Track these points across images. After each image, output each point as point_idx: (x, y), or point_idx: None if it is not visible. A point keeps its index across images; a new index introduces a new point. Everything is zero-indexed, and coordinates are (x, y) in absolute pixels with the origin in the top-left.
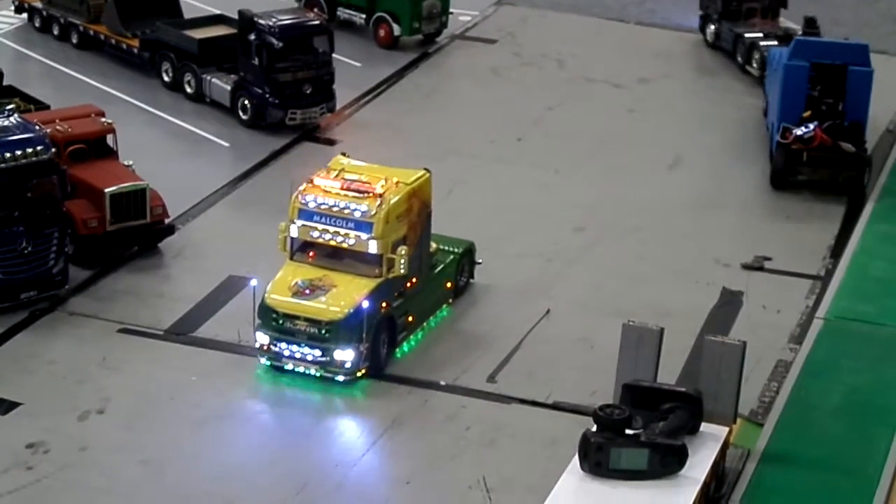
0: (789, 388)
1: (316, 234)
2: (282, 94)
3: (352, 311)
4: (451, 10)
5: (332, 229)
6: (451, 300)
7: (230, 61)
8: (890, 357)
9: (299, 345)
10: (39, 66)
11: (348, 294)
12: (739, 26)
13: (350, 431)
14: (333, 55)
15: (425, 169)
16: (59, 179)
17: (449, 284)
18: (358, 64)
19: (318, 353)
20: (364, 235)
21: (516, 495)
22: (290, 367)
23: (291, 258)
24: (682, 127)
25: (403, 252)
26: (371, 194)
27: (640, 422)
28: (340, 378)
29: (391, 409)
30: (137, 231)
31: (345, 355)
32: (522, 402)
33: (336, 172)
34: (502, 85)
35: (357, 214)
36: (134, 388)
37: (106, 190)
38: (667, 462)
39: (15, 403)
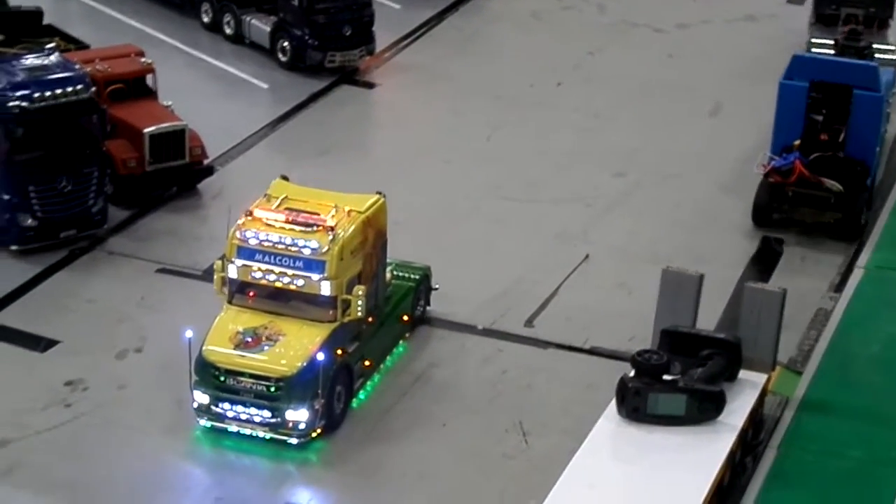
0: (829, 336)
1: (258, 274)
2: (321, 35)
3: (305, 364)
4: None
5: (277, 269)
6: (407, 335)
7: (270, 2)
8: None
9: (245, 405)
10: (79, 6)
11: (299, 344)
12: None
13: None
14: None
15: (378, 192)
16: (98, 119)
17: (406, 317)
18: (397, 6)
19: (266, 413)
20: (315, 276)
21: (552, 439)
22: (234, 429)
23: (230, 302)
24: (723, 74)
25: (361, 292)
26: (321, 227)
27: (678, 368)
28: (293, 441)
29: (428, 352)
30: (176, 172)
31: (298, 415)
32: (560, 346)
33: (278, 201)
34: (542, 29)
35: (306, 252)
36: (171, 327)
37: (145, 130)
38: (704, 408)
39: (54, 341)
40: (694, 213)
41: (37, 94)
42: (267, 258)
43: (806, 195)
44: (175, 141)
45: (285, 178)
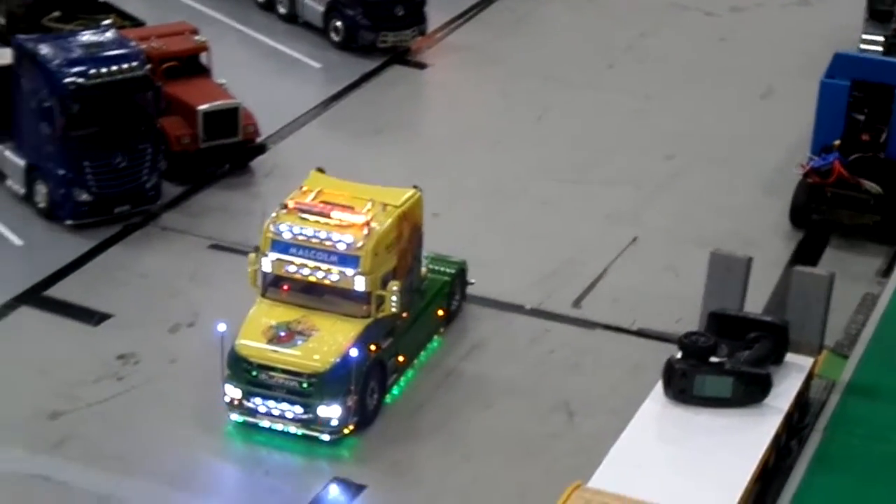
0: (876, 321)
1: (293, 268)
2: (374, 15)
3: (338, 360)
4: None
5: (311, 263)
6: (442, 329)
7: None
8: None
9: (277, 400)
10: None
11: (333, 340)
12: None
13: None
14: None
15: (415, 187)
16: (153, 96)
17: (441, 312)
18: None
19: (298, 409)
20: (350, 271)
21: (599, 419)
22: (265, 424)
23: (263, 295)
24: (775, 57)
25: (395, 287)
26: (356, 223)
27: (725, 350)
28: (325, 437)
29: (475, 331)
30: (229, 149)
31: (330, 411)
32: (607, 327)
33: (313, 194)
34: (595, 10)
35: (341, 247)
36: (223, 303)
37: (199, 107)
38: (750, 391)
39: (106, 315)
40: (743, 197)
41: (92, 71)
42: (301, 252)
43: (844, 196)
44: (228, 119)
45: (321, 170)
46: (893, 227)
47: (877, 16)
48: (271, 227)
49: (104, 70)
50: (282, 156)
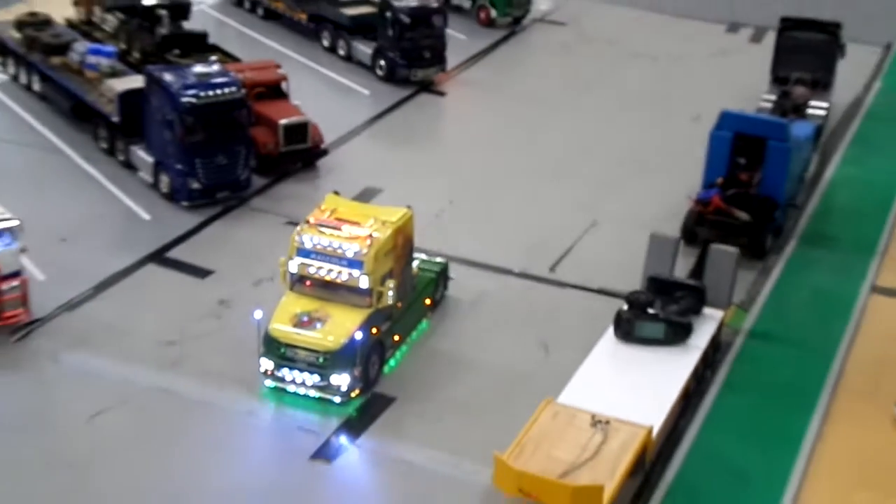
0: (771, 283)
1: (312, 269)
2: (408, 57)
3: (346, 341)
4: (533, 1)
5: (327, 266)
6: (429, 314)
7: (372, 32)
8: (847, 268)
9: (300, 371)
10: (234, 31)
11: (343, 325)
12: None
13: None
14: (446, 30)
15: (407, 206)
16: (246, 112)
17: (428, 302)
18: (464, 37)
19: (316, 378)
20: (356, 272)
21: (567, 353)
22: (291, 389)
23: (291, 289)
24: (703, 92)
25: (391, 285)
26: (361, 236)
27: (659, 304)
28: (337, 400)
29: (478, 285)
30: (301, 153)
31: (340, 380)
32: (574, 286)
33: (329, 212)
34: (569, 56)
35: (349, 254)
36: None
37: (280, 122)
38: (677, 334)
39: (210, 271)
40: (673, 196)
41: (203, 94)
42: (319, 258)
43: (720, 222)
44: (301, 130)
45: (336, 193)
46: (758, 248)
47: (777, 80)
48: (297, 238)
49: (211, 93)
50: (339, 158)
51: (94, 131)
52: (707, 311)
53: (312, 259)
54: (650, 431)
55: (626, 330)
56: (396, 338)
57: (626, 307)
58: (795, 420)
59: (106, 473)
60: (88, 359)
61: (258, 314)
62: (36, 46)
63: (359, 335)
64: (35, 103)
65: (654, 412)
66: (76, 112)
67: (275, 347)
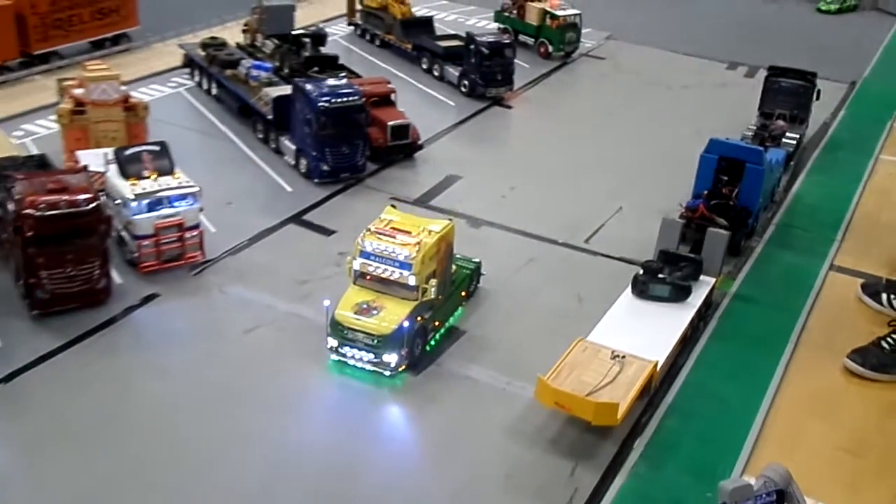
0: (752, 260)
1: (371, 268)
2: (485, 78)
3: (396, 327)
4: (581, 40)
5: (382, 266)
6: (464, 303)
7: (459, 59)
8: (811, 252)
9: (358, 349)
10: (357, 55)
11: (394, 314)
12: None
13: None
14: (515, 59)
15: (449, 219)
16: (364, 116)
17: (463, 293)
18: (527, 65)
19: (371, 356)
20: (406, 272)
21: (595, 304)
22: (351, 363)
23: (354, 283)
24: (703, 113)
25: (433, 283)
26: (411, 242)
27: (667, 271)
28: (387, 373)
29: (530, 252)
30: (403, 147)
31: (390, 358)
32: (604, 255)
33: (387, 222)
34: (605, 83)
35: (401, 257)
36: None
37: (389, 123)
38: (679, 294)
39: (333, 231)
40: (680, 189)
41: (333, 100)
42: (377, 259)
43: (704, 226)
44: (404, 130)
45: (394, 205)
46: (734, 247)
47: (762, 115)
48: (360, 242)
49: (339, 100)
50: (430, 152)
51: (254, 125)
52: (703, 278)
53: (371, 260)
54: (656, 365)
55: (641, 289)
56: (436, 323)
57: (641, 272)
58: (766, 363)
59: (254, 370)
60: (244, 290)
61: (326, 302)
62: (215, 62)
63: (406, 323)
64: (213, 103)
65: (659, 351)
66: (242, 111)
67: (339, 330)
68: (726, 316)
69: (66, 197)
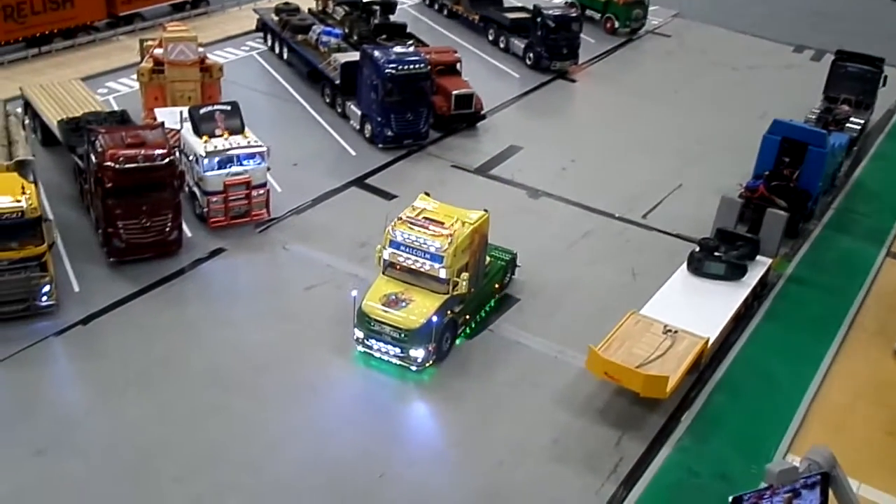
0: (809, 243)
1: (401, 259)
2: (550, 51)
3: (424, 322)
4: (648, 17)
5: (413, 257)
6: (497, 295)
7: (525, 32)
8: (869, 237)
9: (385, 342)
10: (425, 25)
11: (423, 308)
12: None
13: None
14: (581, 34)
15: (484, 210)
16: (430, 84)
17: (497, 286)
18: (593, 41)
19: (398, 350)
20: (437, 265)
21: (649, 279)
22: (377, 356)
23: (383, 273)
24: (769, 95)
25: (465, 276)
26: (443, 234)
27: (723, 249)
28: (413, 368)
29: (585, 227)
30: (466, 116)
31: (417, 353)
32: (660, 231)
33: (419, 210)
34: (670, 61)
35: (432, 249)
36: (455, 195)
37: (453, 92)
38: (735, 272)
39: (395, 195)
40: (741, 168)
41: (400, 67)
42: (407, 250)
43: (763, 207)
44: (468, 99)
45: (427, 194)
46: (792, 229)
47: (827, 98)
48: (390, 231)
49: (406, 67)
50: (493, 122)
51: (322, 90)
52: (759, 258)
53: (402, 251)
54: (707, 342)
55: (697, 266)
56: (467, 317)
57: (698, 249)
58: (817, 346)
59: (316, 323)
60: (306, 249)
61: (354, 292)
62: (287, 27)
63: (435, 318)
64: (284, 67)
65: (711, 328)
66: (311, 75)
67: (365, 321)
68: (781, 297)
69: (143, 151)
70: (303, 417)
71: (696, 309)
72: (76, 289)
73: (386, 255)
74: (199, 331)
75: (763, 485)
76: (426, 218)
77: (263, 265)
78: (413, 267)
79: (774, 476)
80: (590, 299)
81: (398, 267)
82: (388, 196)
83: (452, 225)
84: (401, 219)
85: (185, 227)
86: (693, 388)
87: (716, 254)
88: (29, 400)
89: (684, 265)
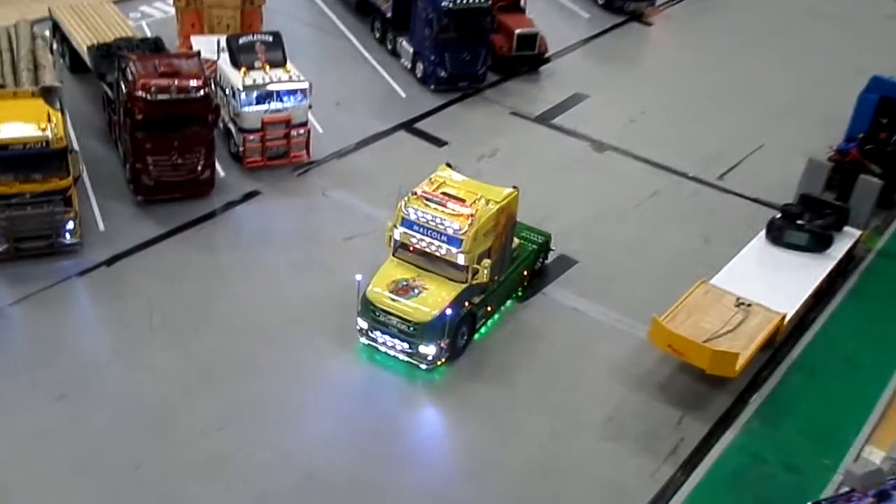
0: None
1: (414, 240)
2: None
3: (437, 314)
4: None
5: (427, 239)
6: (526, 283)
7: None
8: None
9: (391, 336)
10: None
11: (436, 299)
12: None
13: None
14: None
15: (514, 187)
16: (490, 20)
17: (526, 273)
18: None
19: (405, 345)
20: (454, 249)
21: (722, 246)
22: (382, 350)
23: (394, 255)
24: (866, 50)
25: (487, 264)
26: (464, 214)
27: (807, 217)
28: (423, 367)
29: (653, 186)
30: (528, 58)
31: (428, 350)
32: (736, 194)
33: (437, 185)
34: (760, 7)
35: (450, 230)
36: (513, 145)
37: (516, 31)
38: (819, 243)
39: (445, 142)
40: (833, 129)
41: (458, 0)
42: (421, 230)
43: (852, 170)
44: (531, 40)
45: (449, 164)
46: (886, 198)
47: None
48: (403, 208)
49: (464, 1)
50: (557, 66)
51: (372, 24)
52: (847, 229)
53: (415, 231)
54: (783, 318)
55: (777, 235)
56: (489, 309)
57: (778, 216)
58: None
59: (352, 272)
60: (347, 196)
61: (358, 277)
62: None
63: (449, 311)
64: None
65: (788, 303)
66: (360, 7)
67: (370, 310)
68: (868, 273)
69: (177, 82)
70: (335, 380)
71: (774, 281)
72: (101, 227)
73: (397, 234)
74: (229, 278)
75: (843, 488)
76: (445, 193)
77: (300, 211)
78: (427, 250)
79: (857, 479)
80: (655, 265)
81: (411, 249)
82: (439, 143)
83: (475, 203)
84: (415, 193)
85: (218, 166)
86: (765, 368)
87: (798, 222)
88: (50, 342)
89: (762, 233)
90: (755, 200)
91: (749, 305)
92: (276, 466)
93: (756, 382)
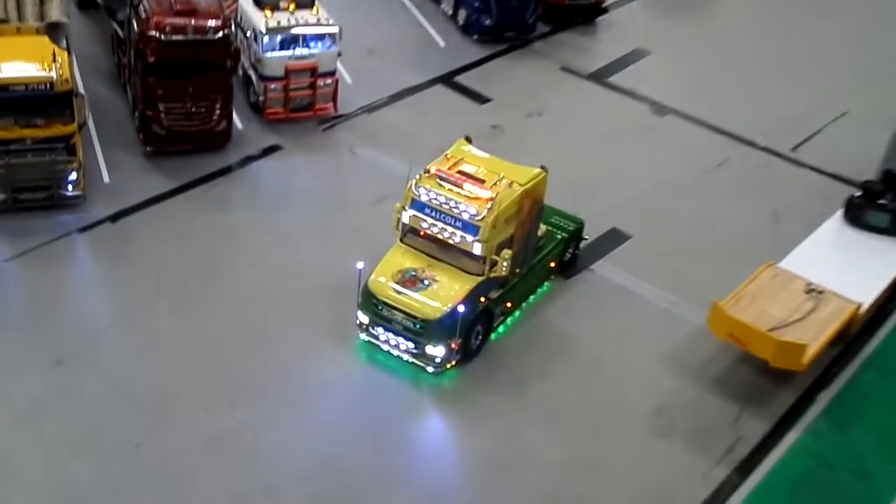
0: None
1: (425, 225)
2: None
3: (448, 311)
4: None
5: (440, 224)
6: (552, 276)
7: None
8: None
9: (395, 333)
10: None
11: (448, 292)
12: None
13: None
14: None
15: (542, 167)
16: None
17: (553, 264)
18: None
19: (411, 344)
20: (470, 237)
21: (793, 225)
22: (385, 348)
23: (402, 240)
24: None
25: (508, 255)
26: (482, 197)
27: (891, 196)
28: (430, 370)
29: (719, 155)
30: (584, 8)
31: (436, 351)
32: (811, 168)
33: (454, 162)
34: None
35: (466, 216)
36: (563, 105)
37: None
38: None
39: (488, 99)
40: None
41: None
42: (433, 214)
43: None
44: None
45: (468, 139)
46: None
47: None
48: (413, 188)
49: None
50: (616, 18)
51: None
52: None
53: (426, 214)
54: (859, 307)
55: (855, 215)
56: (509, 305)
57: (858, 194)
58: None
59: (383, 243)
60: (377, 154)
61: (360, 265)
62: None
63: (462, 307)
64: None
65: (865, 292)
66: None
67: (372, 303)
68: None
69: (193, 22)
70: (356, 359)
71: (850, 267)
72: (106, 180)
73: (405, 217)
74: (244, 240)
75: None
76: (462, 172)
77: (325, 169)
78: (439, 237)
79: None
80: (718, 243)
81: (421, 234)
82: (481, 99)
83: (496, 185)
84: (428, 171)
85: (235, 116)
86: (835, 363)
87: (881, 201)
88: (48, 302)
89: (839, 212)
90: (832, 175)
91: (821, 293)
92: (287, 449)
93: (825, 379)
